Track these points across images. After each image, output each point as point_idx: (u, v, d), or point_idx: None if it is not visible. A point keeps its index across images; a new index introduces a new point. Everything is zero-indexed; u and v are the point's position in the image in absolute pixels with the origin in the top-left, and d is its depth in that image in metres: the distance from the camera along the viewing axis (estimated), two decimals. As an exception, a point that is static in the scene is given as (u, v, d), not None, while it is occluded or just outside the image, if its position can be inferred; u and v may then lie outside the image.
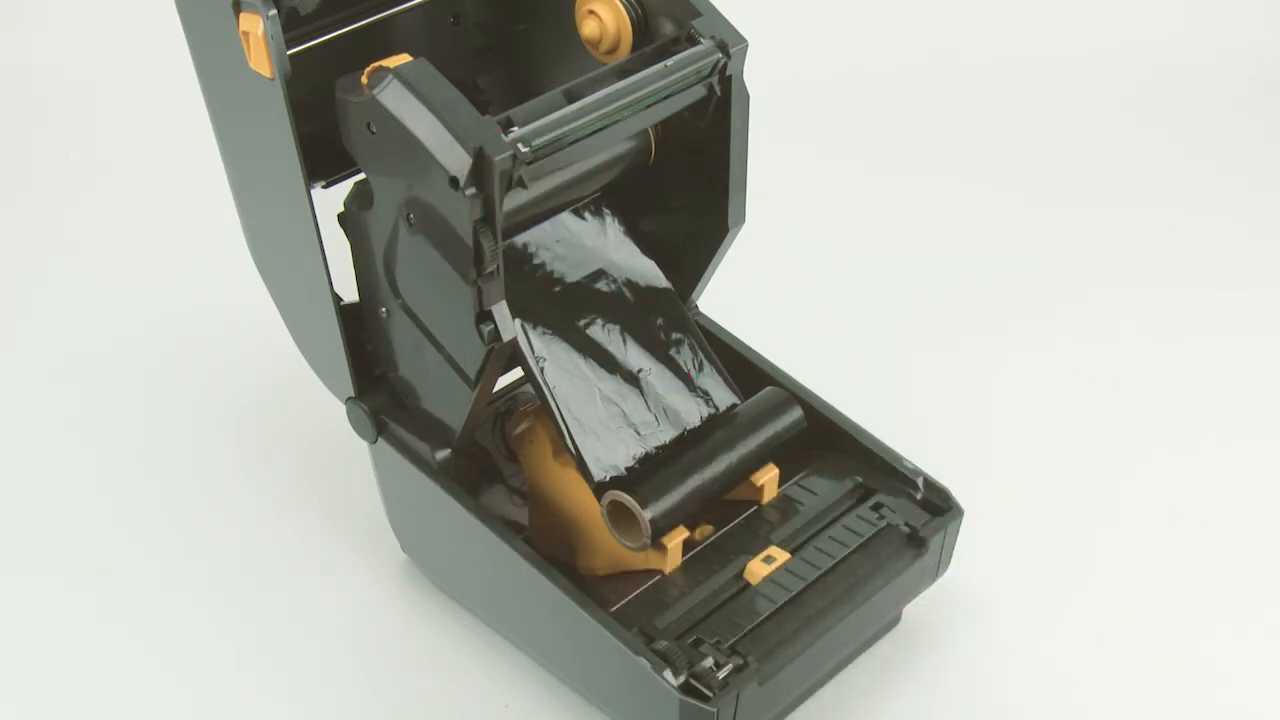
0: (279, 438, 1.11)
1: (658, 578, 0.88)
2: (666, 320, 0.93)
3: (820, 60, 1.64)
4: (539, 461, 0.91)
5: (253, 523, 1.04)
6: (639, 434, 0.88)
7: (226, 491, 1.07)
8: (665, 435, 0.89)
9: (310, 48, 0.89)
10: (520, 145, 0.76)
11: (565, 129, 0.78)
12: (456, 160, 0.76)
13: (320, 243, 0.86)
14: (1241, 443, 1.13)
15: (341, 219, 0.87)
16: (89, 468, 1.10)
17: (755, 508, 0.93)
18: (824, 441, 0.95)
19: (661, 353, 0.92)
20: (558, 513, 0.91)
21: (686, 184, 0.92)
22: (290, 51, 0.83)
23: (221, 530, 1.04)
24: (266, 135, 0.84)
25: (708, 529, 0.91)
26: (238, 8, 0.81)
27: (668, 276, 0.94)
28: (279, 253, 0.91)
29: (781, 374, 0.97)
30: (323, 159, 0.86)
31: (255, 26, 0.80)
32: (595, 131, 0.80)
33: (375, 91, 0.78)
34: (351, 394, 0.91)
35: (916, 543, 0.89)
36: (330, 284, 0.88)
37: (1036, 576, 1.00)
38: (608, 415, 0.88)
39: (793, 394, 0.94)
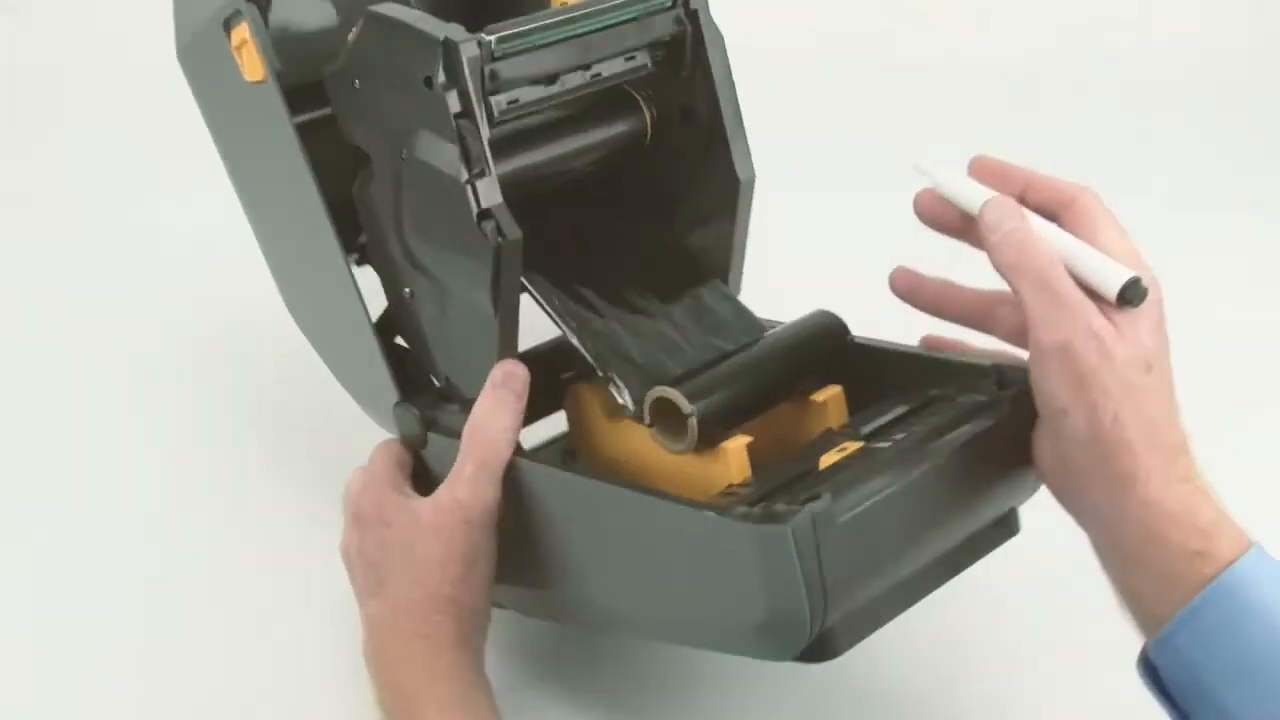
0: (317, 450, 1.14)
1: (728, 486, 0.82)
2: (696, 285, 0.92)
3: (823, 55, 1.73)
4: (592, 426, 0.88)
5: (287, 523, 1.07)
6: (674, 355, 0.87)
7: (247, 492, 1.11)
8: (703, 355, 0.87)
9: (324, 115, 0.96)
10: (485, 35, 0.80)
11: (531, 27, 0.82)
12: (427, 59, 0.80)
13: (348, 266, 0.90)
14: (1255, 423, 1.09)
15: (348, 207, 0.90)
16: (112, 466, 1.16)
17: (826, 430, 0.87)
18: (885, 377, 0.90)
19: (693, 304, 0.91)
20: (624, 474, 0.87)
21: (689, 155, 0.93)
22: (301, 119, 0.90)
23: (246, 527, 1.07)
24: (286, 181, 0.90)
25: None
26: (228, 27, 0.89)
27: (702, 269, 0.95)
28: (307, 286, 0.96)
29: None
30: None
31: (244, 31, 0.88)
32: (565, 39, 0.84)
33: (351, 37, 0.84)
34: (396, 399, 0.90)
35: (996, 405, 0.83)
36: (361, 302, 0.90)
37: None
38: (639, 347, 0.87)
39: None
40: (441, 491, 0.84)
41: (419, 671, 0.82)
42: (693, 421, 0.81)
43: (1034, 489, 0.85)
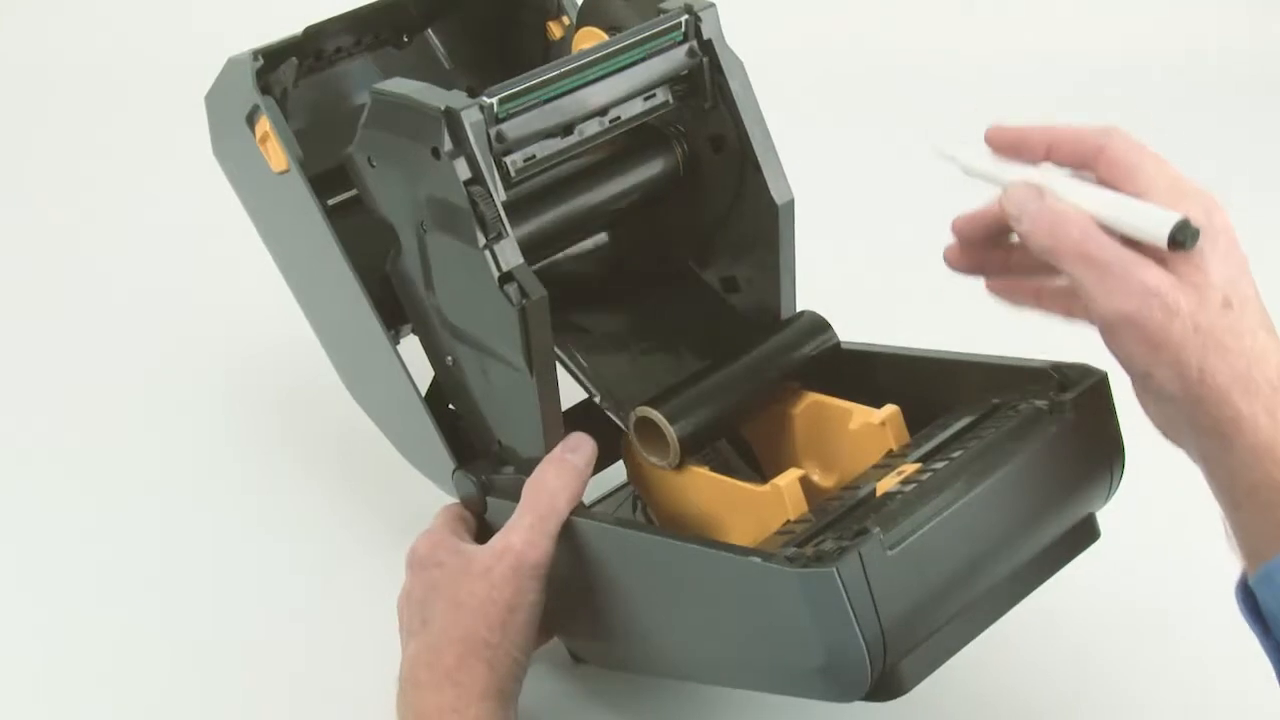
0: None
1: (785, 523, 0.80)
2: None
3: (831, 59, 1.70)
4: (649, 475, 0.88)
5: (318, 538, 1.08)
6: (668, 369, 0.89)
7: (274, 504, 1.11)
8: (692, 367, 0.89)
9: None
10: (485, 98, 0.80)
11: (532, 83, 0.81)
12: (431, 130, 0.79)
13: (391, 342, 0.91)
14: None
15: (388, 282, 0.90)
16: (129, 477, 1.14)
17: (888, 452, 0.85)
18: (947, 389, 0.87)
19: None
20: (684, 517, 0.86)
21: (724, 184, 0.91)
22: (335, 201, 0.92)
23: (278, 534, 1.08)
24: (324, 264, 0.91)
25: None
26: (250, 121, 0.90)
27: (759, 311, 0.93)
28: (358, 365, 0.97)
29: None
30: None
31: (265, 124, 0.89)
32: (569, 91, 0.83)
33: (361, 122, 0.84)
34: (454, 467, 0.90)
35: (1058, 409, 0.79)
36: (407, 374, 0.91)
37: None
38: (635, 368, 0.90)
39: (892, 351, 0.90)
40: (496, 538, 0.84)
41: None
42: (673, 439, 0.84)
43: (1108, 495, 0.81)
